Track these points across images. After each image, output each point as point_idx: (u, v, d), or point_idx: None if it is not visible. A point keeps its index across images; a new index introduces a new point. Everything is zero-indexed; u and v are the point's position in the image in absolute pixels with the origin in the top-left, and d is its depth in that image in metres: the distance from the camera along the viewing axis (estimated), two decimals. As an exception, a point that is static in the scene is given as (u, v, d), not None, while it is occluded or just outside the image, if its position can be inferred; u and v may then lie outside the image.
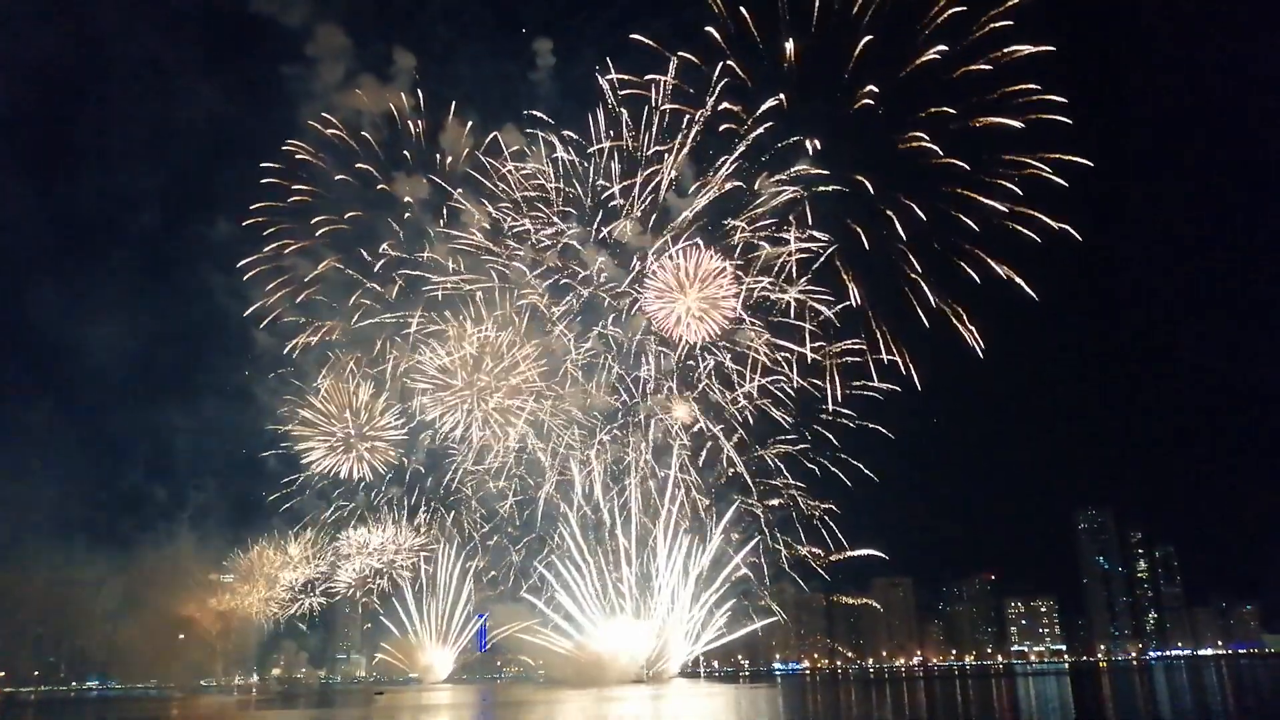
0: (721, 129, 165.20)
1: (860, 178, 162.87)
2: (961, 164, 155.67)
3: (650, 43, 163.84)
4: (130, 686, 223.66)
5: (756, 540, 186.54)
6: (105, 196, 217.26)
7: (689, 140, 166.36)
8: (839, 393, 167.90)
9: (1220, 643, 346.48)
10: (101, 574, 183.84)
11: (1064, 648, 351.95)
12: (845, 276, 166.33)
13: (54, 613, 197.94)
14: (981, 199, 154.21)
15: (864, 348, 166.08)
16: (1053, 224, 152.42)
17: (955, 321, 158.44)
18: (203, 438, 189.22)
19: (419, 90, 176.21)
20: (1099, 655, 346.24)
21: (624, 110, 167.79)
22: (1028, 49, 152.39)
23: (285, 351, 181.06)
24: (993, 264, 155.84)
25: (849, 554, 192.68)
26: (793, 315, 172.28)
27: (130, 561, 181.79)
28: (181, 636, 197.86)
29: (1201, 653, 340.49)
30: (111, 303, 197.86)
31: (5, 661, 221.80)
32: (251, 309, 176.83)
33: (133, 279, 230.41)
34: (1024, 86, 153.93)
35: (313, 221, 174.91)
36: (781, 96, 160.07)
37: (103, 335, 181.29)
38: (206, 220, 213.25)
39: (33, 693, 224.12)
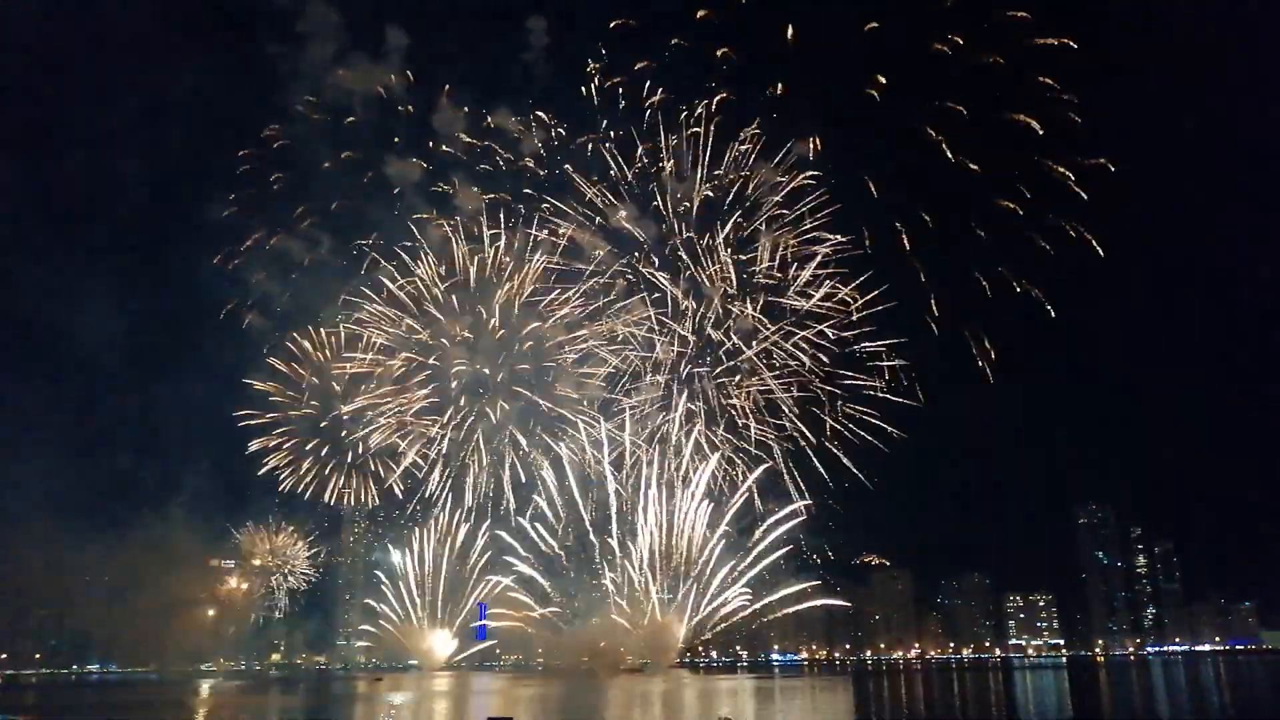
0: (718, 119, 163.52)
1: (865, 177, 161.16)
2: (973, 165, 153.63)
3: (636, 24, 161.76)
4: (131, 670, 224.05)
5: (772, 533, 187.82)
6: (93, 176, 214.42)
7: (687, 127, 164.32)
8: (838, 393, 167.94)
9: (1218, 639, 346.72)
10: (100, 557, 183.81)
11: (1062, 642, 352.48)
12: (837, 273, 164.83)
13: (55, 596, 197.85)
14: (997, 203, 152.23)
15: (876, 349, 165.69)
16: (1070, 231, 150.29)
17: (969, 339, 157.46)
18: (199, 421, 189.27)
19: (409, 71, 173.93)
20: (1097, 650, 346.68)
21: (622, 98, 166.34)
22: (1050, 41, 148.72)
23: (267, 349, 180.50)
24: (1004, 272, 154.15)
25: (853, 561, 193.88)
26: (788, 308, 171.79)
27: (128, 544, 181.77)
28: (179, 621, 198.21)
29: (1199, 648, 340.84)
30: (104, 284, 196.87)
31: (7, 644, 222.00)
32: (240, 294, 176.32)
33: (123, 260, 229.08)
34: (1042, 80, 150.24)
35: (297, 212, 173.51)
36: (780, 85, 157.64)
37: (96, 317, 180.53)
38: (196, 201, 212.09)
39: (34, 675, 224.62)
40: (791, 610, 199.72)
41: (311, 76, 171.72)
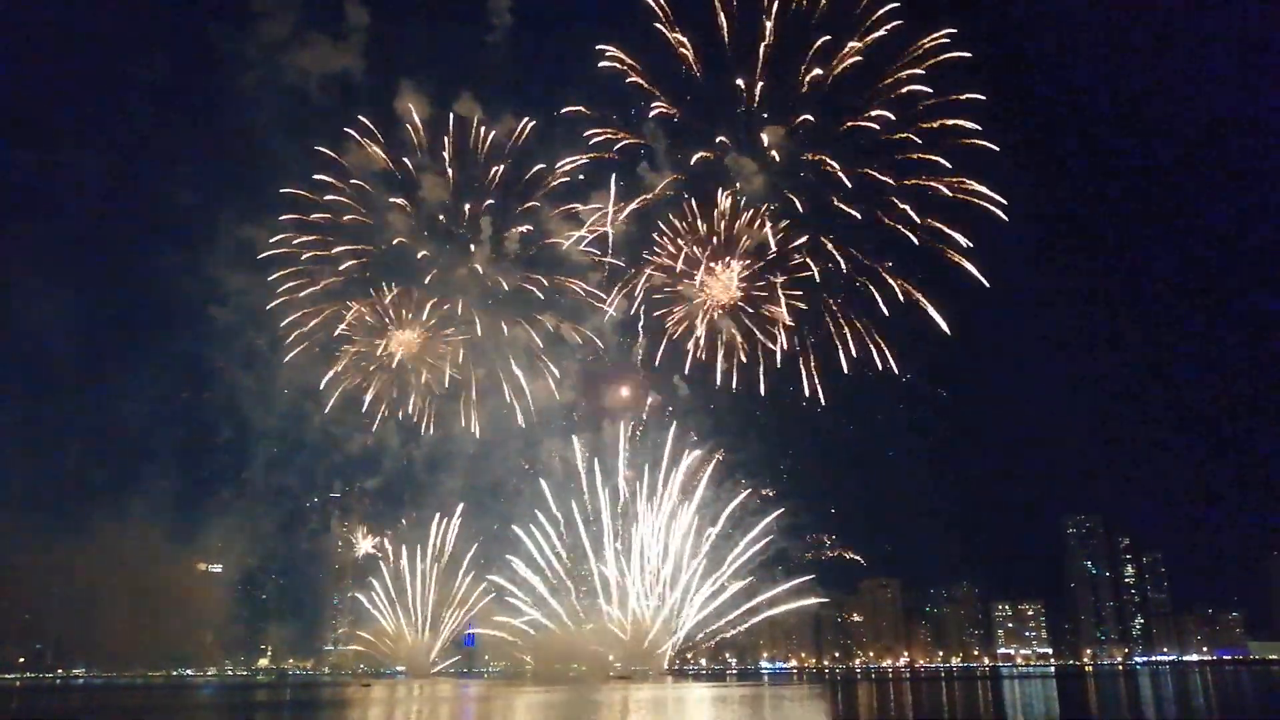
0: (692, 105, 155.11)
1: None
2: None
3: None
4: (115, 675, 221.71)
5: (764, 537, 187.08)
6: (46, 166, 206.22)
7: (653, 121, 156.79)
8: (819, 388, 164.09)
9: (1206, 649, 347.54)
10: (68, 558, 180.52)
11: (1050, 651, 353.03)
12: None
13: (40, 600, 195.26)
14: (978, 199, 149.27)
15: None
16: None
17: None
18: (163, 416, 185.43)
19: (370, 53, 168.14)
20: (1085, 659, 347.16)
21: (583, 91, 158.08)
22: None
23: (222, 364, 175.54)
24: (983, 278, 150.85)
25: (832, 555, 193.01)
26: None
27: (95, 545, 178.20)
28: (157, 624, 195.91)
29: (1186, 659, 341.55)
30: (63, 278, 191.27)
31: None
32: (203, 286, 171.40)
33: (82, 253, 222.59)
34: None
35: (270, 197, 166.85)
36: (742, 83, 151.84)
37: (54, 310, 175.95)
38: (156, 191, 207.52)
39: (17, 679, 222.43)
40: (781, 610, 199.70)
41: (268, 59, 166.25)
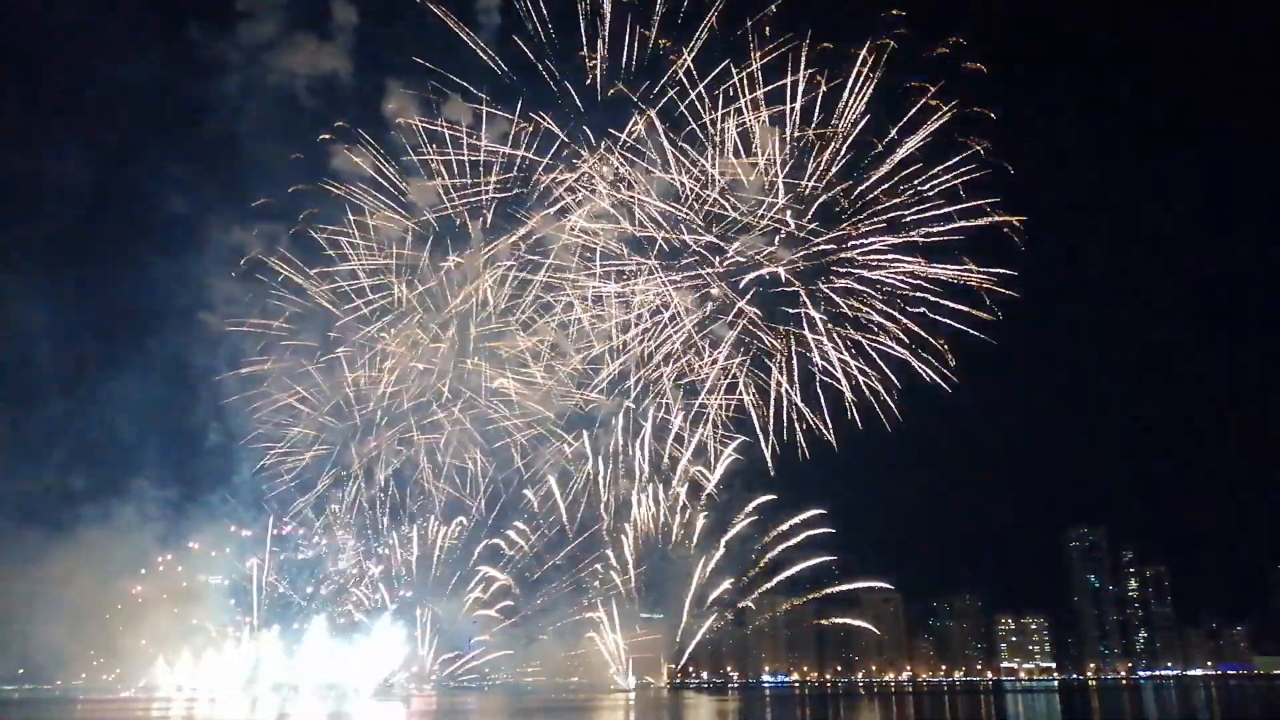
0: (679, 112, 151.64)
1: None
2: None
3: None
4: (107, 688, 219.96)
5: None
6: (28, 173, 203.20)
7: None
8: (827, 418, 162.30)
9: (1210, 663, 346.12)
10: (76, 573, 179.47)
11: (1054, 665, 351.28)
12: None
13: (38, 612, 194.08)
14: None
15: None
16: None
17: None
18: (152, 423, 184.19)
19: (359, 53, 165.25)
20: (1089, 673, 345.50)
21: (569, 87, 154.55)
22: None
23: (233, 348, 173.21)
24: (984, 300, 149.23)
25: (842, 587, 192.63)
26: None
27: (83, 554, 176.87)
28: (150, 634, 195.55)
29: (1191, 673, 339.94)
30: (44, 288, 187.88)
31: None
32: (191, 292, 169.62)
33: (67, 259, 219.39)
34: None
35: (254, 205, 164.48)
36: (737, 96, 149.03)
37: (37, 321, 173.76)
38: (141, 197, 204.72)
39: (15, 691, 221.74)
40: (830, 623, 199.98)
41: (253, 59, 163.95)
